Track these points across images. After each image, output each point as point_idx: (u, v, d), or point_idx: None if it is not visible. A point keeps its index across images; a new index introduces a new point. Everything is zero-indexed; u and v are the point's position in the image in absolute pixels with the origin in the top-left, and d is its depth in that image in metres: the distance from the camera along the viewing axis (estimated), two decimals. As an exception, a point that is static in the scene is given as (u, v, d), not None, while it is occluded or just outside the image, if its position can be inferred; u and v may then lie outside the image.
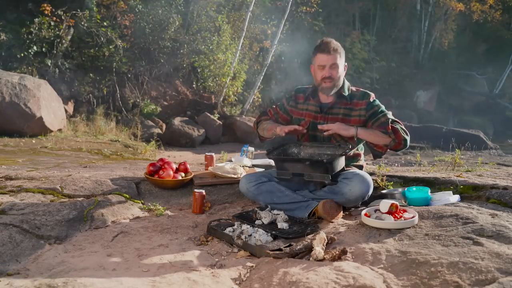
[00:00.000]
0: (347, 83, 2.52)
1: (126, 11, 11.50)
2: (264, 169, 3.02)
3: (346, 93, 2.48)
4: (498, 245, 1.58)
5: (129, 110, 11.07)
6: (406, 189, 2.42)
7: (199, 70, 12.52)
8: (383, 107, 2.45)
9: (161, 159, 2.89)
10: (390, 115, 2.41)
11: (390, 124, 2.31)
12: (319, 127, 2.38)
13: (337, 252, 1.68)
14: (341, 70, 2.44)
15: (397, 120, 2.40)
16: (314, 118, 2.53)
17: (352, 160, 2.55)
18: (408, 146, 2.39)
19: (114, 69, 10.86)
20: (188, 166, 2.95)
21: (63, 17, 10.14)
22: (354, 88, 2.54)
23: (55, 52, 9.94)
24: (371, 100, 2.45)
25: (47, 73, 9.73)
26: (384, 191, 2.57)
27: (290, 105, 2.67)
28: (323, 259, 1.67)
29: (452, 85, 18.33)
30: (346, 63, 2.50)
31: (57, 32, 10.00)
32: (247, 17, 12.76)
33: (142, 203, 2.53)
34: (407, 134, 2.34)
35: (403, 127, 2.36)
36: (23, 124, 7.14)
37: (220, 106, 12.49)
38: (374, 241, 1.79)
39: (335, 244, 1.83)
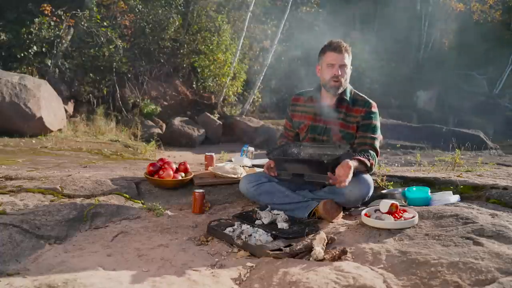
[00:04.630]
0: (349, 87, 2.50)
1: (126, 11, 11.49)
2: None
3: (348, 96, 2.45)
4: (498, 245, 1.58)
5: (129, 110, 11.06)
6: (406, 189, 2.42)
7: (199, 70, 12.51)
8: (377, 124, 2.44)
9: (161, 159, 2.89)
10: (377, 141, 2.41)
11: (370, 161, 2.31)
12: (331, 181, 2.17)
13: (337, 252, 1.69)
14: (349, 71, 2.43)
15: (377, 149, 2.41)
16: (314, 120, 2.51)
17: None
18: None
19: (114, 69, 10.85)
20: (188, 166, 2.94)
21: (63, 17, 10.13)
22: (358, 94, 2.50)
23: (55, 52, 9.93)
24: (372, 109, 2.43)
25: (47, 73, 9.72)
26: (384, 191, 2.57)
27: (291, 110, 2.64)
28: (323, 259, 1.67)
29: (452, 85, 18.30)
30: (351, 66, 2.48)
31: (57, 32, 9.99)
32: (247, 17, 12.75)
33: (142, 203, 2.53)
34: (376, 161, 2.39)
35: (376, 154, 2.39)
36: (23, 124, 7.13)
37: (220, 106, 12.49)
38: (374, 241, 1.79)
39: (335, 244, 1.83)
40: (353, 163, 2.16)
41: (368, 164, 2.30)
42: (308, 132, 2.52)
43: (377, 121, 2.45)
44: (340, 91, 2.42)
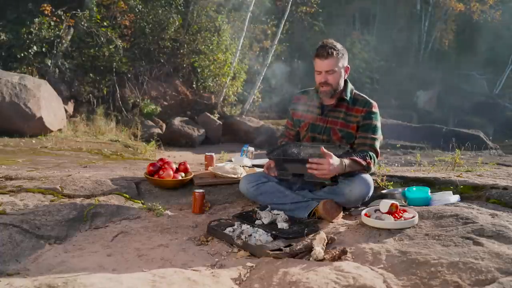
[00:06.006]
0: (350, 86, 2.48)
1: (126, 11, 11.49)
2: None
3: (348, 96, 2.44)
4: (498, 245, 1.58)
5: (129, 110, 11.06)
6: (406, 189, 2.42)
7: (199, 70, 12.51)
8: (378, 124, 2.43)
9: (161, 159, 2.89)
10: (377, 142, 2.40)
11: (367, 160, 2.29)
12: (308, 167, 2.16)
13: (337, 252, 1.69)
14: (340, 74, 2.38)
15: (377, 150, 2.40)
16: (314, 119, 2.51)
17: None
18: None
19: (114, 69, 10.85)
20: (188, 166, 2.94)
21: (63, 17, 10.13)
22: (359, 94, 2.49)
23: (55, 52, 9.93)
24: (373, 109, 2.42)
25: (47, 73, 9.72)
26: (384, 191, 2.57)
27: (292, 108, 2.65)
28: (323, 259, 1.67)
29: (452, 85, 18.32)
30: (348, 65, 2.45)
31: (57, 32, 10.00)
32: (247, 17, 12.76)
33: (142, 203, 2.53)
34: (375, 161, 2.37)
35: (375, 155, 2.37)
36: (23, 124, 7.13)
37: (220, 106, 12.49)
38: (374, 241, 1.79)
39: (335, 244, 1.83)
40: (336, 159, 2.13)
41: (364, 164, 2.27)
42: (308, 131, 2.53)
43: (378, 122, 2.44)
44: (330, 95, 2.41)
